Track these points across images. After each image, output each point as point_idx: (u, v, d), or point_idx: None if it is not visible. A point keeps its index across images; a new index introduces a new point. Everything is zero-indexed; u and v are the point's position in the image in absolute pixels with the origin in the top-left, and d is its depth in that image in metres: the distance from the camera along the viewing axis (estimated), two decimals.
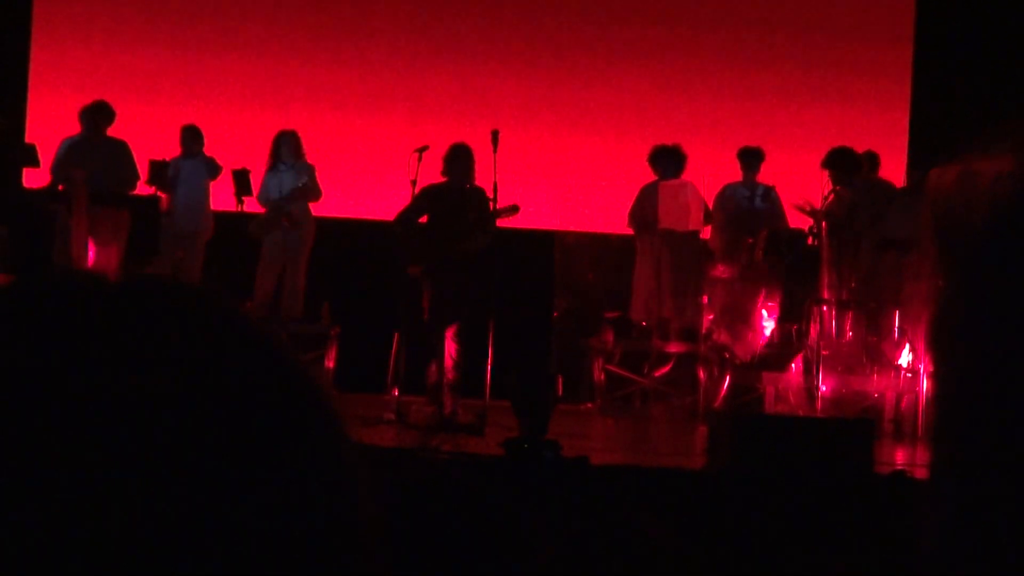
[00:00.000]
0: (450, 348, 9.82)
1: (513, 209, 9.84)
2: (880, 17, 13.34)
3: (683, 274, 11.56)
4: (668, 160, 11.63)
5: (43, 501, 0.69)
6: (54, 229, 11.02)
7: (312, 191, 11.59)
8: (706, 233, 11.77)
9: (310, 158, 11.71)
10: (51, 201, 11.11)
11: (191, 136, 11.80)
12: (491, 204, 9.84)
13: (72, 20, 13.00)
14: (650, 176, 11.70)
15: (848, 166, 11.00)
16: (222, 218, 11.65)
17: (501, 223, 9.93)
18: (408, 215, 10.05)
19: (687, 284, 11.49)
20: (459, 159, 10.00)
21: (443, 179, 10.05)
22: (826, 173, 11.01)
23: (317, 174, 11.67)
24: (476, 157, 10.02)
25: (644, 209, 11.66)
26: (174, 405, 0.72)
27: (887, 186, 11.37)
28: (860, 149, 11.33)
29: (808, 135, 12.58)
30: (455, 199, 9.95)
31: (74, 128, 11.80)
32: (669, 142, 11.77)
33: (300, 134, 11.72)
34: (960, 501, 0.76)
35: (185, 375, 0.73)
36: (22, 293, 0.75)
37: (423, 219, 10.07)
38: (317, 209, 11.79)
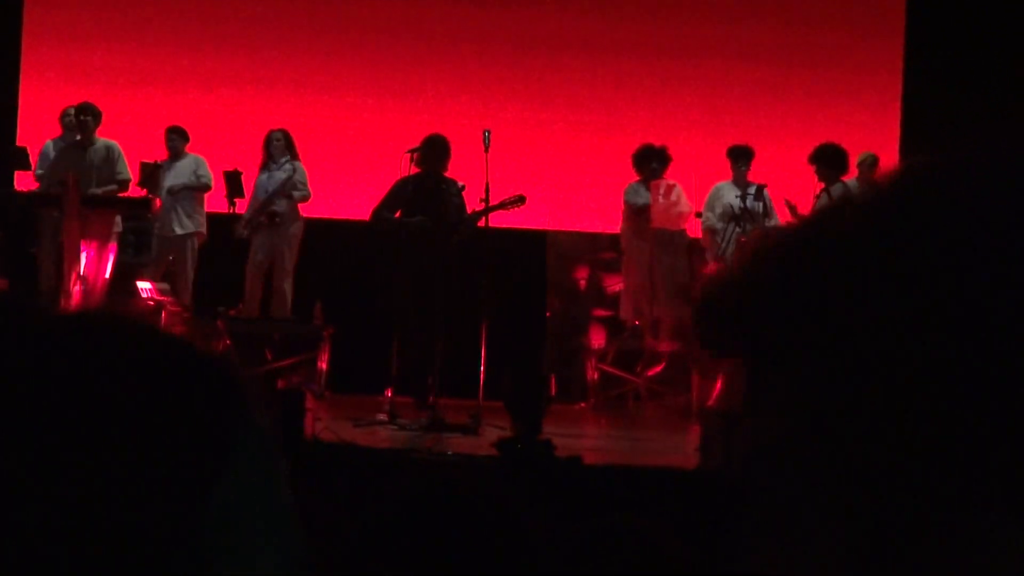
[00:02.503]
0: (439, 343, 9.71)
1: (519, 200, 9.69)
2: (871, 12, 13.35)
3: (674, 273, 11.58)
4: (654, 160, 11.64)
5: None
6: (40, 232, 11.01)
7: (299, 189, 11.54)
8: (698, 232, 11.77)
9: (302, 157, 11.69)
10: (42, 204, 11.09)
11: (179, 137, 11.77)
12: (464, 199, 9.78)
13: (63, 22, 12.98)
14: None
15: (834, 163, 11.01)
16: (213, 220, 11.64)
17: (495, 221, 9.80)
18: (382, 210, 9.97)
19: (677, 283, 11.51)
20: (434, 149, 9.90)
21: (415, 171, 9.88)
22: (814, 169, 11.04)
23: (311, 174, 11.64)
24: (469, 157, 9.95)
25: (637, 204, 11.69)
26: (98, 426, 0.72)
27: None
28: (851, 144, 11.33)
29: (799, 132, 12.58)
30: (432, 190, 9.86)
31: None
32: (661, 141, 11.79)
33: (292, 134, 11.69)
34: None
35: (112, 404, 0.73)
36: None
37: (398, 213, 9.98)
38: (311, 209, 11.76)
